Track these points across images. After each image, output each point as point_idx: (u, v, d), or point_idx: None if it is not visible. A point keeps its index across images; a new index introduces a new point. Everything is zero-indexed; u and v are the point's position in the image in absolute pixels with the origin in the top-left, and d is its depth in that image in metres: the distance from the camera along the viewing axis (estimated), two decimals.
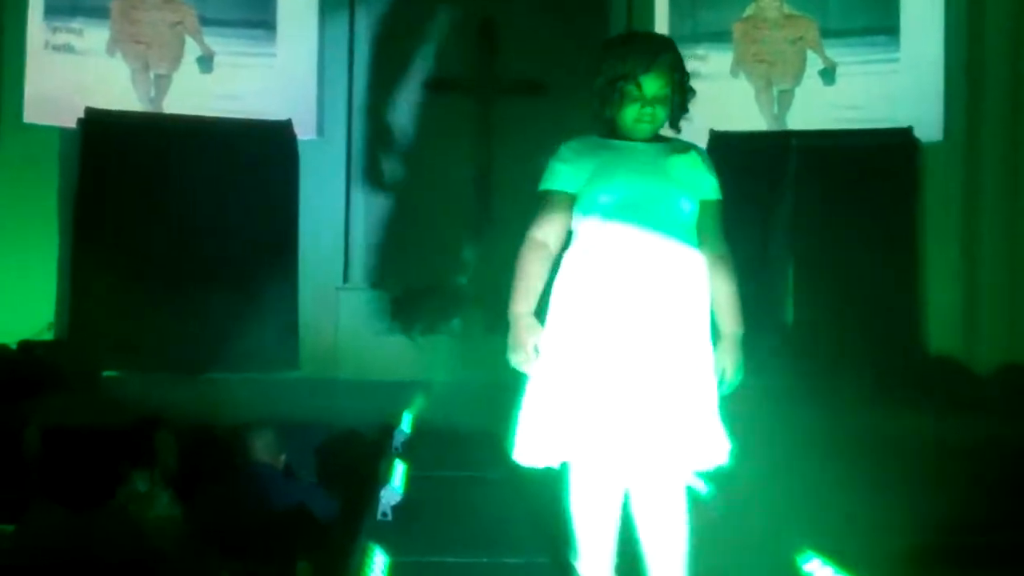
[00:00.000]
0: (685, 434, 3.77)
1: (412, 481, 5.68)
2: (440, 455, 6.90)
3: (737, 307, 4.03)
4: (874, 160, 12.05)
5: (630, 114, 3.92)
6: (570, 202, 3.92)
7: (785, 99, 12.68)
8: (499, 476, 6.05)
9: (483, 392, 7.89)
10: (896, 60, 12.31)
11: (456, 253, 12.34)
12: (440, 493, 5.90)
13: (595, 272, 3.85)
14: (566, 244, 3.98)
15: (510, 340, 3.90)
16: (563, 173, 3.95)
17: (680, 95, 3.99)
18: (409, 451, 6.65)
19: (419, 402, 8.26)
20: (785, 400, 10.77)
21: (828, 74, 12.52)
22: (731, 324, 3.99)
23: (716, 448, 3.86)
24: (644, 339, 3.78)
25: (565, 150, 4.00)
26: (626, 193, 3.87)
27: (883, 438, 8.43)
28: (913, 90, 12.18)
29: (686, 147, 4.08)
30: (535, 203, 4.04)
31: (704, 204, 4.01)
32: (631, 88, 3.88)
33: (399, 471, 5.71)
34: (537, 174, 4.03)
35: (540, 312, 3.95)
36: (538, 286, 3.91)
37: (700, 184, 4.04)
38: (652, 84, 3.89)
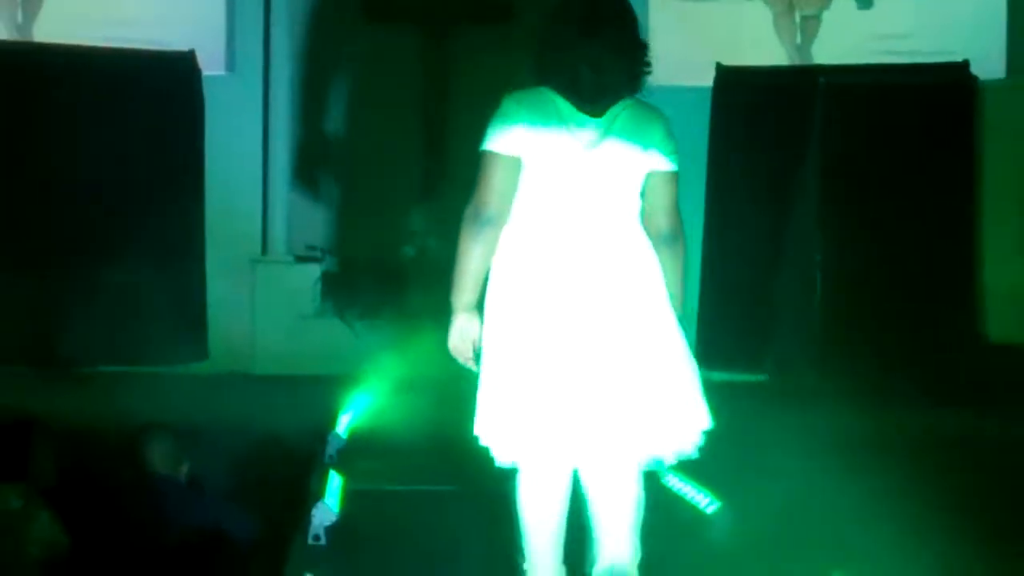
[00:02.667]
0: (643, 418, 4.46)
1: (350, 497, 5.76)
2: (383, 465, 6.98)
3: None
4: (922, 102, 12.09)
5: None
6: None
7: (810, 26, 12.83)
8: (453, 489, 6.19)
9: (436, 388, 7.95)
10: None
11: (403, 218, 12.33)
12: (383, 511, 5.99)
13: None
14: None
15: None
16: None
17: None
18: (345, 461, 6.71)
19: (357, 401, 8.30)
20: (810, 402, 10.97)
21: None
22: None
23: (684, 433, 4.53)
24: (595, 320, 4.50)
25: None
26: None
27: (936, 443, 8.61)
28: (970, 16, 12.34)
29: None
30: None
31: None
32: None
33: (334, 485, 5.77)
34: None
35: None
36: None
37: None
38: None
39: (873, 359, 11.66)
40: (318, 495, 5.67)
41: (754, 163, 12.36)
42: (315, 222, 12.83)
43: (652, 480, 4.80)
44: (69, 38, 12.25)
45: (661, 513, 4.99)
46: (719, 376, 12.29)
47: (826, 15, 12.77)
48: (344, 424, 7.70)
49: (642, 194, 4.62)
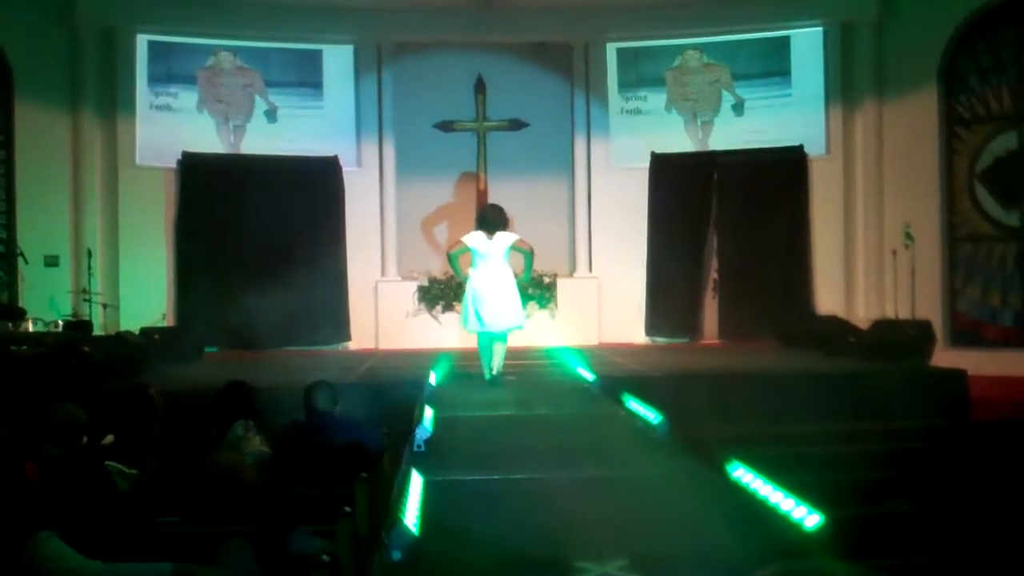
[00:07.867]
0: (506, 319, 7.92)
1: (438, 421, 5.67)
2: (456, 401, 6.92)
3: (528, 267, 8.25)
4: (774, 170, 12.16)
5: None
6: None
7: (707, 127, 12.72)
8: (482, 414, 6.21)
9: (475, 357, 8.06)
10: (789, 95, 12.38)
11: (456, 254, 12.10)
12: (458, 429, 5.91)
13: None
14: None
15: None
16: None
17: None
18: (434, 399, 6.63)
19: (440, 363, 8.24)
20: (712, 352, 10.90)
21: (738, 107, 12.59)
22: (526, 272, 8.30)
23: (517, 323, 8.06)
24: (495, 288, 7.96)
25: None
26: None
27: (786, 373, 8.57)
28: (802, 117, 12.25)
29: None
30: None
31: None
32: None
33: (428, 414, 5.68)
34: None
35: None
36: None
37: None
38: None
39: (750, 325, 11.65)
40: (419, 420, 5.58)
41: (676, 210, 12.35)
42: (412, 256, 12.71)
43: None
44: (261, 150, 12.32)
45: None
46: (661, 340, 12.38)
47: (716, 119, 12.67)
48: (433, 377, 7.63)
49: (507, 252, 7.92)
